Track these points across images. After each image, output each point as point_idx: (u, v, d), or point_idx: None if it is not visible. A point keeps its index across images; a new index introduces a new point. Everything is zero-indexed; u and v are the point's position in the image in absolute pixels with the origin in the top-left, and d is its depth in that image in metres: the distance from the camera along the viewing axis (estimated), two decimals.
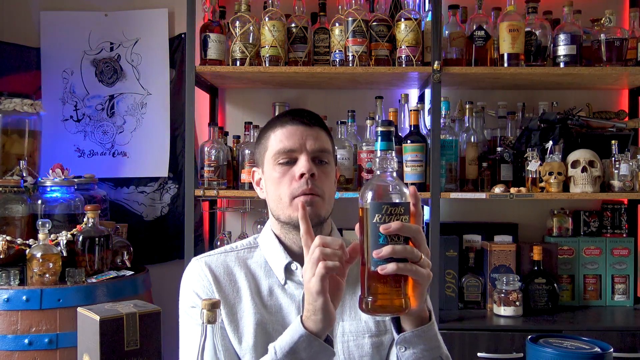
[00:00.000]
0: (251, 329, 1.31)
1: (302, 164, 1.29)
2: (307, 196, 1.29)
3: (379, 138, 1.05)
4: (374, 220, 0.99)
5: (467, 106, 2.63)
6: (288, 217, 1.32)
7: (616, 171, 2.45)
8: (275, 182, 1.32)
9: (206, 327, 1.01)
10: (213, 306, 1.00)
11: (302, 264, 1.32)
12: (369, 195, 1.01)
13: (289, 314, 1.33)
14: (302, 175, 1.29)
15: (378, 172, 1.04)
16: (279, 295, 1.34)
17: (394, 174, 1.05)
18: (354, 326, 1.33)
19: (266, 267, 1.37)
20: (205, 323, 1.01)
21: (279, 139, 1.33)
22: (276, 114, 2.79)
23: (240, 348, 1.31)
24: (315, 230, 1.31)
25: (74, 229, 2.30)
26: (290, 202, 1.30)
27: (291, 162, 1.31)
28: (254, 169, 1.42)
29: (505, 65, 2.44)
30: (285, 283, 1.35)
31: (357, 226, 1.05)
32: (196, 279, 1.36)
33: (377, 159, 1.04)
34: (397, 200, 1.01)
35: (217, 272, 1.36)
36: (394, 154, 1.06)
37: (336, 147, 2.47)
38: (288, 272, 1.35)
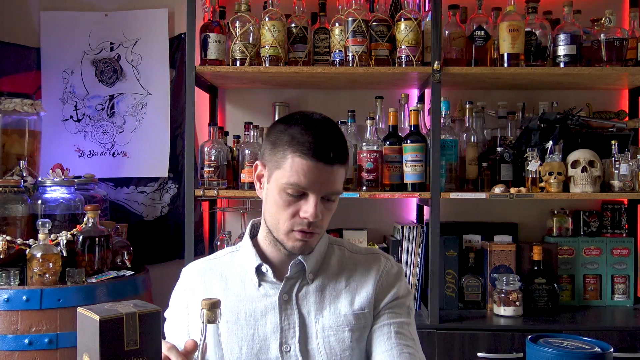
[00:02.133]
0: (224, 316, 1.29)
1: (310, 209, 1.25)
2: (305, 234, 1.29)
3: None
4: None
5: (467, 106, 2.64)
6: (281, 239, 1.32)
7: (616, 171, 2.45)
8: (277, 205, 1.29)
9: (206, 327, 1.01)
10: (213, 306, 1.00)
11: (272, 267, 1.35)
12: None
13: (262, 306, 1.34)
14: (306, 218, 1.27)
15: None
16: (254, 293, 1.36)
17: None
18: (333, 321, 1.33)
19: (243, 270, 1.40)
20: (205, 323, 1.01)
21: (295, 169, 1.25)
22: (276, 114, 2.78)
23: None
24: None
25: (74, 229, 2.30)
26: (287, 233, 1.30)
27: (299, 195, 1.27)
28: (258, 162, 1.35)
29: (505, 65, 2.44)
30: (260, 285, 1.36)
31: None
32: (177, 289, 1.44)
33: None
34: None
35: (193, 278, 1.42)
36: None
37: None
38: (260, 274, 1.37)
